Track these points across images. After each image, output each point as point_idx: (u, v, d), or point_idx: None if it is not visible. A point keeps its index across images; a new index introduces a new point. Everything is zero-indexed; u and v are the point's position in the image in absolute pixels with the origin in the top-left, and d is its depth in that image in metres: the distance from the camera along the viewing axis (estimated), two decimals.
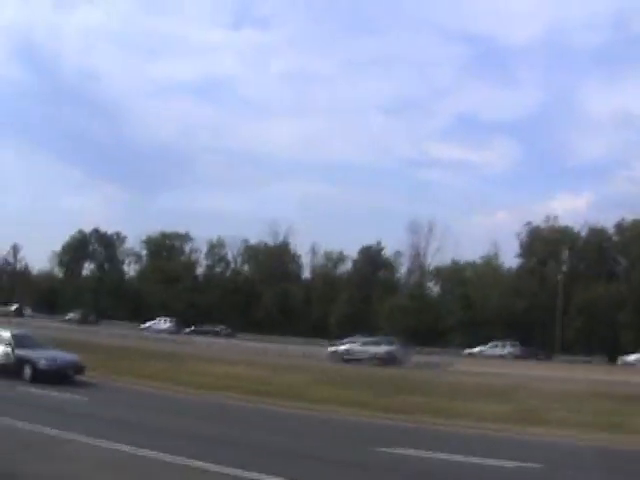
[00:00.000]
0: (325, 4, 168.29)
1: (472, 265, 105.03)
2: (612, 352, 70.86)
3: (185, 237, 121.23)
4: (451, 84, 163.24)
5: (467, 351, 70.30)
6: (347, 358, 51.71)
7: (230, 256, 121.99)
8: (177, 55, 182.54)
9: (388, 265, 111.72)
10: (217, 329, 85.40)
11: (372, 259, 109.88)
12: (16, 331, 30.30)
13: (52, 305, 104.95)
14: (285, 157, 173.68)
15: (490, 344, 69.82)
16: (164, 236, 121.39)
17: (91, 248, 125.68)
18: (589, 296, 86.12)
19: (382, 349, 53.26)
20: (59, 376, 25.78)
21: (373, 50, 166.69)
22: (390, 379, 35.45)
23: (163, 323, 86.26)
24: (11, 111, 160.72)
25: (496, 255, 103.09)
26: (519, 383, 33.36)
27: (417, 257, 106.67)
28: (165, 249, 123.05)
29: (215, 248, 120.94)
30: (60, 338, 38.34)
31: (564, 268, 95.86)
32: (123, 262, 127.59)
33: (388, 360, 50.64)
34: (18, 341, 27.32)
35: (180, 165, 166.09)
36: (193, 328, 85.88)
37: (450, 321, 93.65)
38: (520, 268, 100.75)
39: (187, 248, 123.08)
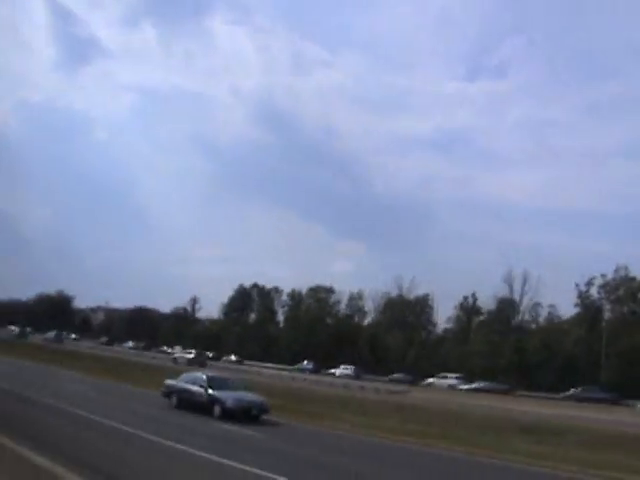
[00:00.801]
0: (559, 48, 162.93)
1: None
2: None
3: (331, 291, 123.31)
4: None
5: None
6: None
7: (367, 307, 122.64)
8: (412, 110, 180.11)
9: None
10: (404, 378, 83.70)
11: None
12: (211, 374, 31.80)
13: (216, 349, 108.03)
14: (524, 206, 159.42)
15: None
16: (313, 290, 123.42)
17: (254, 299, 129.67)
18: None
19: None
20: (245, 415, 26.56)
21: (614, 94, 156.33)
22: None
23: (343, 369, 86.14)
24: (255, 171, 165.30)
25: None
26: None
27: None
28: (316, 300, 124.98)
29: (353, 300, 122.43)
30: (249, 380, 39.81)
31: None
32: (276, 312, 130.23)
33: None
34: (211, 382, 28.45)
35: (417, 218, 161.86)
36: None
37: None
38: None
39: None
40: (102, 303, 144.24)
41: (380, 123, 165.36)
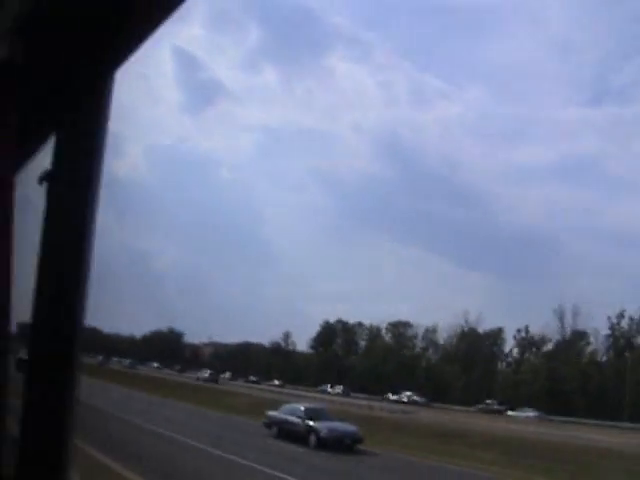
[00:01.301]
0: None
1: None
2: None
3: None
4: None
5: None
6: None
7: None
8: (536, 138, 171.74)
9: None
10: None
11: None
12: (309, 405, 32.48)
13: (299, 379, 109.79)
14: None
15: None
16: (392, 325, 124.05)
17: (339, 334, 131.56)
18: None
19: None
20: (339, 444, 26.77)
21: None
22: None
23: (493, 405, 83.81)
24: (376, 205, 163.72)
25: None
26: None
27: None
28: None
29: (428, 332, 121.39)
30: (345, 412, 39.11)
31: None
32: (358, 345, 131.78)
33: None
34: (309, 413, 29.18)
35: (542, 248, 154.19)
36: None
37: None
38: None
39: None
40: (216, 337, 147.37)
41: (502, 153, 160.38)
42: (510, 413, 76.55)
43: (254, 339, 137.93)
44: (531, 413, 74.48)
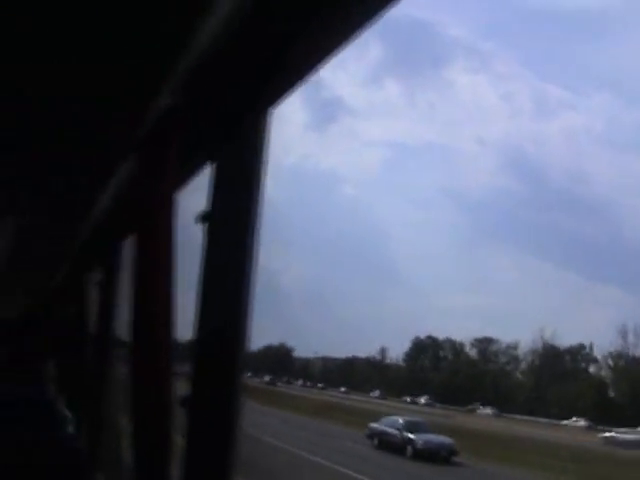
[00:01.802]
0: None
1: None
2: None
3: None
4: None
5: None
6: None
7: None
8: None
9: None
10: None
11: None
12: (408, 418, 32.30)
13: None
14: None
15: None
16: (477, 340, 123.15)
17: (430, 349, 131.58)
18: None
19: None
20: (434, 456, 26.70)
21: None
22: None
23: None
24: (503, 219, 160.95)
25: None
26: None
27: None
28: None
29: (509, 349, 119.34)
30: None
31: None
32: (443, 360, 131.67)
33: None
34: (407, 426, 29.17)
35: None
36: None
37: None
38: None
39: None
40: (325, 352, 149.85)
41: (632, 163, 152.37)
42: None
43: (364, 353, 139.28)
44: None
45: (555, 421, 77.99)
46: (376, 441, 29.95)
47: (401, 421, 30.05)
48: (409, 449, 27.44)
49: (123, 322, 3.47)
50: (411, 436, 27.93)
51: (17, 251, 3.42)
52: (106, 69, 1.82)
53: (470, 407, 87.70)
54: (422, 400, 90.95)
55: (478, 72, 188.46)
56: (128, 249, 3.59)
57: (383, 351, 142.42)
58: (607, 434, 58.23)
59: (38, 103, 2.06)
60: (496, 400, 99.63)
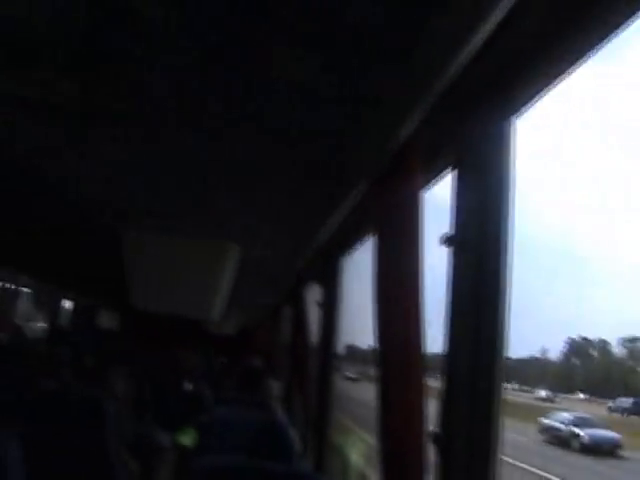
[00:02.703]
0: None
1: None
2: None
3: None
4: None
5: None
6: None
7: None
8: None
9: None
10: None
11: None
12: (576, 414, 31.05)
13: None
14: None
15: None
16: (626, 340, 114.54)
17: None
18: None
19: None
20: (599, 449, 25.93)
21: None
22: None
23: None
24: None
25: None
26: None
27: None
28: None
29: None
30: None
31: None
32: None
33: None
34: (573, 420, 28.73)
35: None
36: None
37: None
38: None
39: None
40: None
41: None
42: None
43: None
44: None
45: None
46: (546, 435, 29.24)
47: (569, 416, 29.34)
48: (575, 443, 26.99)
49: (343, 336, 3.42)
50: (577, 430, 27.54)
51: (246, 273, 3.47)
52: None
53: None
54: (580, 395, 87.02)
55: None
56: (347, 260, 3.56)
57: (544, 351, 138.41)
58: None
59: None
60: None
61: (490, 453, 1.59)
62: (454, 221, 1.71)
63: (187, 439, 3.19)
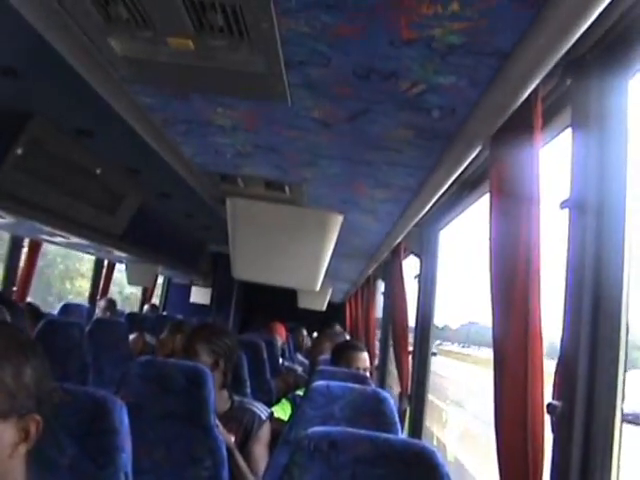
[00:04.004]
0: None
1: None
2: None
3: None
4: None
5: None
6: None
7: None
8: None
9: None
10: None
11: None
12: None
13: None
14: None
15: None
16: None
17: None
18: None
19: None
20: None
21: None
22: None
23: None
24: None
25: None
26: None
27: None
28: None
29: None
30: None
31: None
32: None
33: None
34: None
35: None
36: None
37: None
38: None
39: None
40: None
41: None
42: None
43: None
44: None
45: None
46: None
47: None
48: None
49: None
50: None
51: (344, 243, 3.43)
52: None
53: None
54: None
55: None
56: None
57: None
58: None
59: None
60: None
61: (611, 423, 1.49)
62: (574, 183, 1.61)
63: (283, 412, 3.22)
